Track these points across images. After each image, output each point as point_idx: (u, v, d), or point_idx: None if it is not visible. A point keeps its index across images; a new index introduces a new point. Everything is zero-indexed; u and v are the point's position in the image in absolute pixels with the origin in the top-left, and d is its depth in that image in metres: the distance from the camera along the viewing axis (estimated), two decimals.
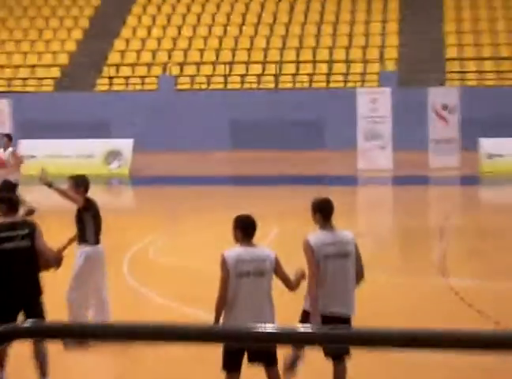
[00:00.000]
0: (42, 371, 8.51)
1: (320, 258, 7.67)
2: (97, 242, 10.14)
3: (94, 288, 9.96)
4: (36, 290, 8.51)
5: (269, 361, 7.57)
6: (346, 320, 7.62)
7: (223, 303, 7.61)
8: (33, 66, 30.85)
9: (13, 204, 8.75)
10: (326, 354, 7.52)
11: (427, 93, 24.26)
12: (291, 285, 7.83)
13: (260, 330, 2.50)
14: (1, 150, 17.83)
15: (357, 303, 7.95)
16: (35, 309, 8.38)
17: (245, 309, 7.66)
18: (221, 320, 7.68)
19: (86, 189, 10.19)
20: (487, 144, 23.51)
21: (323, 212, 7.91)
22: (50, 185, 9.99)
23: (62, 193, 10.18)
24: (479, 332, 2.11)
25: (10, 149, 17.97)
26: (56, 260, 9.11)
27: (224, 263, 7.64)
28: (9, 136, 18.52)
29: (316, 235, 7.82)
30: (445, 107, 24.04)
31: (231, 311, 7.67)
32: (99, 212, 10.26)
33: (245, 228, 7.78)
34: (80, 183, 10.19)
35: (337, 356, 7.72)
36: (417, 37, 30.01)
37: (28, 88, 29.92)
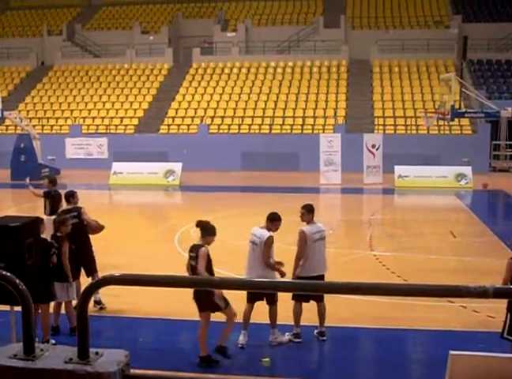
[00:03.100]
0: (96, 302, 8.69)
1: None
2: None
3: None
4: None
5: (271, 300, 7.52)
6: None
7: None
8: (122, 117, 30.82)
9: (69, 197, 9.20)
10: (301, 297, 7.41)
11: (362, 137, 24.26)
12: None
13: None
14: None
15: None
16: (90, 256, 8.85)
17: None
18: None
19: (54, 184, 10.98)
20: (399, 169, 23.51)
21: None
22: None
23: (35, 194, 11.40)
24: (393, 284, 2.13)
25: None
26: (99, 228, 9.14)
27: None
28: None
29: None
30: (373, 146, 24.03)
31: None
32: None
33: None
34: (53, 180, 11.16)
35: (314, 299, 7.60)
36: (357, 103, 30.03)
37: (118, 131, 29.91)
